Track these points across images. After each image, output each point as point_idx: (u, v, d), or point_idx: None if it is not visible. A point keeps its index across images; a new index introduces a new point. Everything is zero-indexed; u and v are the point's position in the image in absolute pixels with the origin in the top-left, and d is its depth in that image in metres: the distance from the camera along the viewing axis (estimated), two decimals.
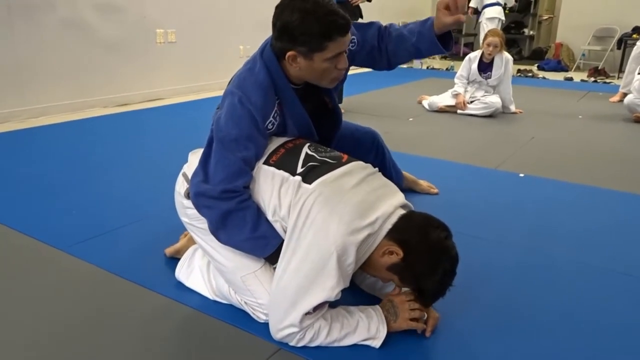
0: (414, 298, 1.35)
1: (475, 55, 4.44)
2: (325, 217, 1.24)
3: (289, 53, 1.34)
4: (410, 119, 4.24)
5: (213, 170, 1.37)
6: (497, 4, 6.82)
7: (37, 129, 3.61)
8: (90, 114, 4.14)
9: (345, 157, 1.44)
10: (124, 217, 2.10)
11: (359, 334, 1.32)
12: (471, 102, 4.45)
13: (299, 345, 1.30)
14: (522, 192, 2.55)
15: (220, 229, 1.39)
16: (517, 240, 1.99)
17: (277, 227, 1.38)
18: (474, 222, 2.15)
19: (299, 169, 1.36)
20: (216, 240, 1.42)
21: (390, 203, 1.34)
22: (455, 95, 4.48)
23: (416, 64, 8.27)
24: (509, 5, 7.19)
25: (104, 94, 4.43)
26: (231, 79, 1.50)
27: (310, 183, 1.32)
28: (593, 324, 1.47)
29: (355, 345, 1.32)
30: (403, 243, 1.28)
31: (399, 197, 1.39)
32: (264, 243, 1.38)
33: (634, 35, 7.17)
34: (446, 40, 1.59)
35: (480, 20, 6.94)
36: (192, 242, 1.73)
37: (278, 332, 1.30)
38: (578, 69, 8.15)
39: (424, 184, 2.50)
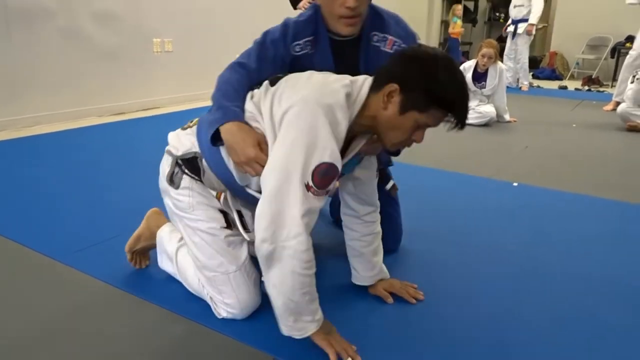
0: None
1: (469, 65, 4.47)
2: (299, 92, 1.21)
3: None
4: None
5: (242, 55, 1.46)
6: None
7: (32, 138, 3.62)
8: (86, 122, 4.14)
9: None
10: (119, 227, 2.10)
11: (298, 315, 1.24)
12: None
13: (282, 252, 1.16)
14: (515, 200, 2.57)
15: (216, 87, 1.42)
16: (511, 249, 2.00)
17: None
18: (467, 231, 2.16)
19: None
20: (197, 233, 1.42)
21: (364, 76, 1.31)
22: None
23: None
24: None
25: (100, 103, 4.44)
26: None
27: (274, 84, 1.32)
28: (585, 331, 1.48)
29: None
30: (391, 77, 1.21)
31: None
32: (219, 116, 1.33)
33: (627, 44, 7.23)
34: None
35: (508, 32, 6.78)
36: (152, 223, 1.72)
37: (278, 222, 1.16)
38: (572, 77, 8.23)
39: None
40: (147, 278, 1.72)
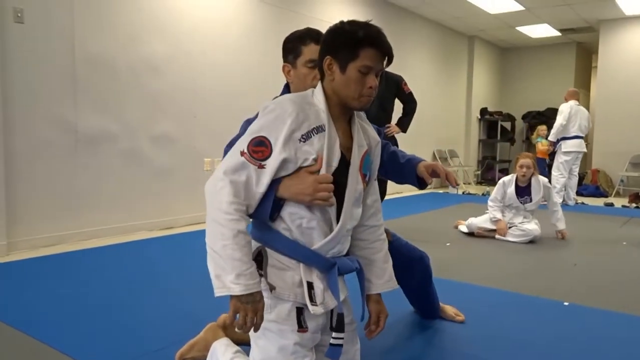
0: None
1: (509, 179, 4.47)
2: None
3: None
4: (448, 244, 4.23)
5: None
6: (578, 137, 6.80)
7: (88, 251, 3.79)
8: (137, 237, 4.33)
9: None
10: (165, 338, 2.12)
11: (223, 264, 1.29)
12: (509, 227, 4.43)
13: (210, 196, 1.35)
14: (567, 322, 2.45)
15: None
16: None
17: None
18: (514, 356, 2.06)
19: None
20: (265, 334, 1.42)
21: None
22: (496, 222, 4.43)
23: (452, 189, 8.41)
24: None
25: (151, 218, 4.67)
26: None
27: None
28: None
29: None
30: (322, 57, 1.44)
31: None
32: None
33: None
34: (423, 180, 1.85)
35: (555, 150, 6.97)
36: (210, 335, 1.74)
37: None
38: (618, 194, 8.11)
39: (449, 310, 2.43)
40: None
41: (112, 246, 3.96)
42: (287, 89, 1.81)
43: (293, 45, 1.71)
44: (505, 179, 4.52)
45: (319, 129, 1.40)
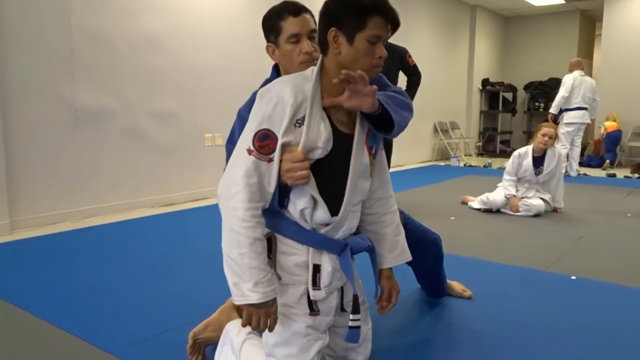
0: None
1: (525, 151, 4.37)
2: None
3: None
4: (452, 218, 4.22)
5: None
6: (580, 108, 6.67)
7: (89, 229, 3.77)
8: (139, 214, 4.31)
9: None
10: (172, 319, 2.11)
11: (241, 272, 1.29)
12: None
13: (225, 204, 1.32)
14: (575, 296, 2.45)
15: None
16: (572, 354, 1.88)
17: None
18: (523, 332, 2.06)
19: None
20: (279, 316, 1.39)
21: None
22: (509, 199, 4.36)
23: (453, 161, 8.37)
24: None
25: (152, 195, 4.64)
26: None
27: None
28: None
29: None
30: (325, 29, 1.35)
31: None
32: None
33: None
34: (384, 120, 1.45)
35: (558, 122, 6.84)
36: (223, 316, 1.73)
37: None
38: (620, 165, 8.07)
39: (456, 286, 2.42)
40: None
41: (114, 224, 3.94)
42: (276, 70, 1.72)
43: (272, 24, 1.62)
44: (520, 150, 4.40)
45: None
